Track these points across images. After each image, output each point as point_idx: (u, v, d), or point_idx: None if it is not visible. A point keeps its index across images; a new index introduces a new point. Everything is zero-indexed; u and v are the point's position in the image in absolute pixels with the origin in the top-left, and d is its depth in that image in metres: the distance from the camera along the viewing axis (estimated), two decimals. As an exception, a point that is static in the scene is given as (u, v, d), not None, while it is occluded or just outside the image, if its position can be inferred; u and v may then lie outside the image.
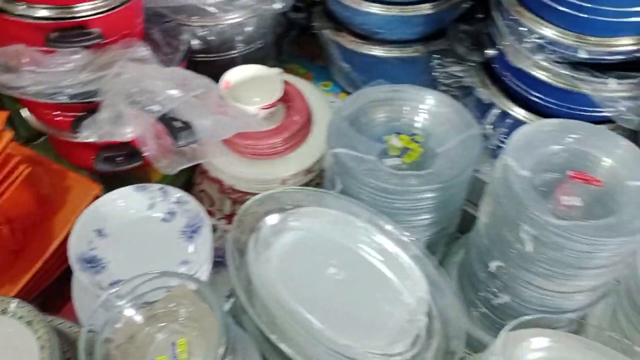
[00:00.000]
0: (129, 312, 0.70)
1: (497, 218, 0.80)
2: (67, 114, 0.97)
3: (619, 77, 0.86)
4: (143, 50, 0.91)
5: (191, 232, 0.90)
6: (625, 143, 0.80)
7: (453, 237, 1.05)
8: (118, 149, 0.97)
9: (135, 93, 0.89)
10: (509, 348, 0.75)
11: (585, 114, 0.93)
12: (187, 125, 0.90)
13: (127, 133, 0.88)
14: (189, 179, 1.21)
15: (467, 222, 0.96)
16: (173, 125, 0.90)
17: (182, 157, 0.90)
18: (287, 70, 1.33)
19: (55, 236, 0.89)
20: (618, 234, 0.71)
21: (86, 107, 0.92)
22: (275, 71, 1.02)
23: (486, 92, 1.00)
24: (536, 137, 0.80)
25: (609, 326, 0.87)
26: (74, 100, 0.90)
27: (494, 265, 0.83)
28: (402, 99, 0.95)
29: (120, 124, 0.87)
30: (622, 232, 0.71)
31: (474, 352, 0.88)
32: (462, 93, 1.09)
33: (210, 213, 1.16)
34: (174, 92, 0.89)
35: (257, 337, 0.84)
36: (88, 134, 0.88)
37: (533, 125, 0.81)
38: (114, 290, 0.70)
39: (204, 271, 0.88)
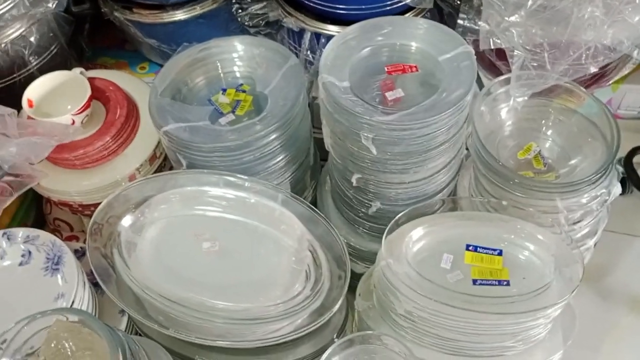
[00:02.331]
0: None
1: (338, 135, 0.81)
2: None
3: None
4: None
5: (54, 264, 0.87)
6: (425, 23, 0.82)
7: (317, 168, 1.05)
8: None
9: None
10: (394, 249, 0.78)
11: (388, 9, 0.95)
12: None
13: None
14: (40, 211, 1.13)
15: (324, 150, 0.96)
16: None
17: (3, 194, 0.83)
18: (97, 65, 1.26)
19: None
20: (444, 107, 0.74)
21: None
22: (76, 71, 0.95)
23: (293, 20, 1.00)
24: (344, 47, 0.80)
25: (475, 192, 0.93)
26: None
27: (354, 179, 0.85)
28: (213, 54, 0.93)
29: None
30: (446, 105, 0.74)
31: (372, 265, 0.90)
32: (274, 29, 1.07)
33: (74, 238, 1.11)
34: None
35: (163, 339, 0.82)
36: None
37: (337, 37, 0.81)
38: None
39: (83, 297, 0.84)
